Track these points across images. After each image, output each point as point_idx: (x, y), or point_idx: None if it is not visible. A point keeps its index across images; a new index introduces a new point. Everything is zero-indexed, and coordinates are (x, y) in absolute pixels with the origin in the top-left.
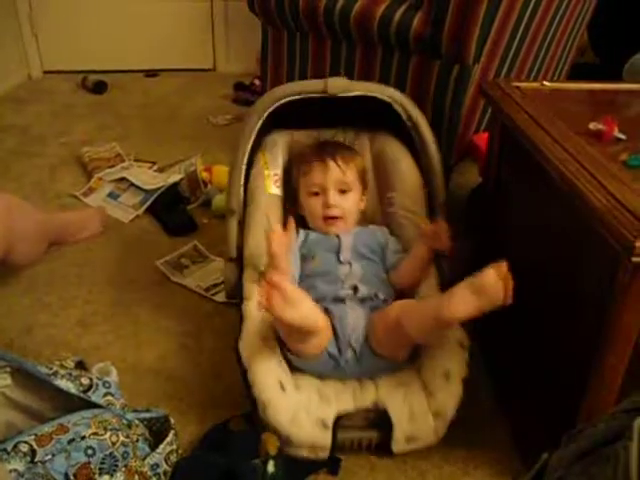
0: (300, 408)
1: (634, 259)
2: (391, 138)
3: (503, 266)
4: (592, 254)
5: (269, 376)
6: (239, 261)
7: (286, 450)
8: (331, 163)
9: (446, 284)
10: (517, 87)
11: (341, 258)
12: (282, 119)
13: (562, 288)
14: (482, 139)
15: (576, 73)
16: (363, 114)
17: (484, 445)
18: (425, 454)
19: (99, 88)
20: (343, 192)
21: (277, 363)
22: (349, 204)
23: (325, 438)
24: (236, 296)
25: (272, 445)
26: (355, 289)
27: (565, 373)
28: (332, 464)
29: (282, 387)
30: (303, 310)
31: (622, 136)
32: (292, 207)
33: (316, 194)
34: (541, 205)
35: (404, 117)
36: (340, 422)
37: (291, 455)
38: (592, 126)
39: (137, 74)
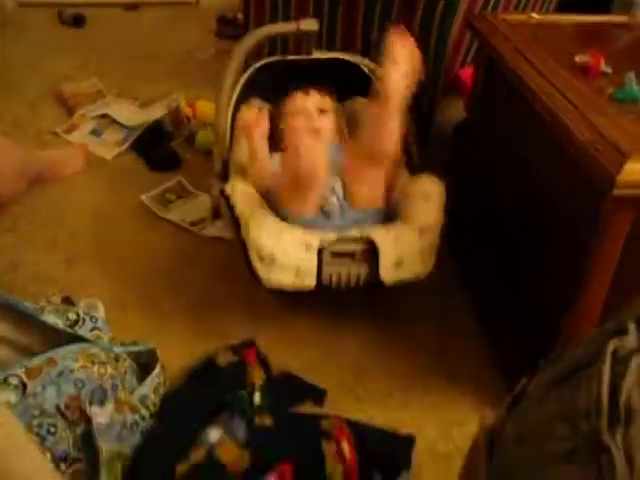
0: (283, 229)
1: (616, 191)
2: (362, 99)
3: (402, 32)
4: (575, 187)
5: (253, 197)
6: (225, 177)
7: (272, 275)
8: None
9: None
10: (504, 19)
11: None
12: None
13: (544, 218)
14: (467, 74)
15: (565, 5)
16: (332, 83)
17: (467, 373)
18: (408, 385)
19: (77, 22)
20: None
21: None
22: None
23: (310, 260)
24: (219, 212)
25: (258, 376)
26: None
27: (546, 298)
28: (317, 395)
29: (265, 210)
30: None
31: (608, 70)
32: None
33: None
34: (526, 139)
35: (370, 75)
36: (325, 249)
37: (279, 284)
38: (578, 59)
39: (115, 8)
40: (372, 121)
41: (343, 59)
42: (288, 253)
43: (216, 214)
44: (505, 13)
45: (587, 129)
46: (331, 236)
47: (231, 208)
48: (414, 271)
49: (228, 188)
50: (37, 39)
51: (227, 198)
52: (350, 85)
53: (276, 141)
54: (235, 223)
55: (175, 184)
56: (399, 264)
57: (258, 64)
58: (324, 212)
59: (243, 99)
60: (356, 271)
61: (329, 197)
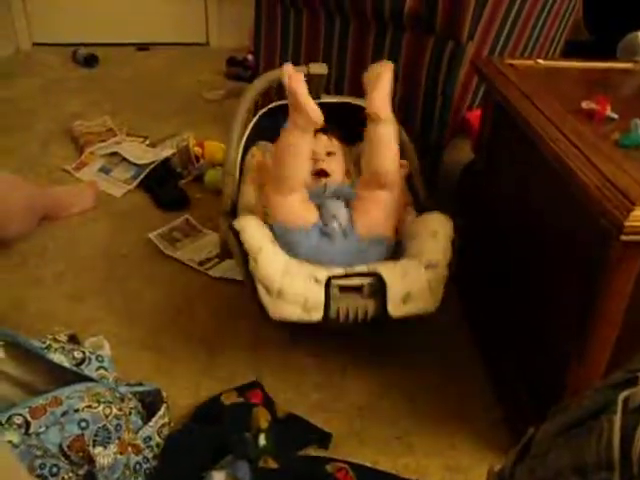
0: (292, 262)
1: (623, 237)
2: None
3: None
4: (582, 232)
5: (261, 233)
6: (233, 215)
7: (280, 308)
8: (319, 134)
9: None
10: (511, 65)
11: (327, 189)
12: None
13: (551, 264)
14: (475, 116)
15: (570, 51)
16: (340, 127)
17: (473, 420)
18: (413, 429)
19: (90, 62)
20: (329, 154)
21: (269, 235)
22: (335, 163)
23: (318, 292)
24: (228, 251)
25: (264, 418)
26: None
27: (552, 347)
28: (322, 438)
29: (273, 243)
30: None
31: (614, 115)
32: None
33: None
34: (533, 182)
35: None
36: (333, 283)
37: (286, 317)
38: (585, 105)
39: (128, 48)
40: (367, 144)
41: (351, 103)
42: (296, 287)
43: (224, 254)
44: (511, 58)
45: (594, 175)
46: (339, 270)
47: (240, 243)
48: (422, 306)
49: (237, 224)
50: (50, 78)
51: (237, 233)
52: (358, 129)
53: None
54: (244, 258)
55: (183, 222)
56: (407, 299)
57: (268, 107)
58: (326, 235)
59: (252, 142)
60: (363, 305)
61: (330, 222)
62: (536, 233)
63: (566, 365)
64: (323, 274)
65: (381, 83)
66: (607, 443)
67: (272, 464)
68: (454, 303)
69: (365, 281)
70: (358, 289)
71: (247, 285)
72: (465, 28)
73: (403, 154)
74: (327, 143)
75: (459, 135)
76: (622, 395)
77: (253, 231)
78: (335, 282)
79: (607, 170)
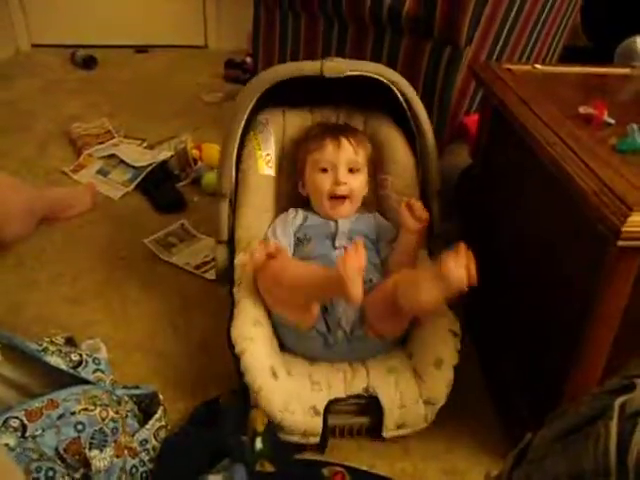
0: (292, 395)
1: (620, 243)
2: (385, 120)
3: (461, 250)
4: (579, 237)
5: (261, 363)
6: (230, 243)
7: (279, 434)
8: (344, 141)
9: None
10: (509, 69)
11: (336, 244)
12: (273, 95)
13: (548, 269)
14: (472, 121)
15: (568, 56)
16: (357, 92)
17: (469, 423)
18: (410, 434)
19: (89, 63)
20: (352, 171)
21: (269, 348)
22: (357, 184)
23: (316, 424)
24: (226, 278)
25: (260, 422)
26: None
27: (550, 352)
28: (320, 441)
29: (274, 374)
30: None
31: (611, 120)
32: (289, 189)
33: (324, 170)
34: (530, 187)
35: (401, 99)
36: (331, 408)
37: (282, 440)
38: (582, 110)
39: (127, 50)
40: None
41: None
42: (296, 422)
43: (220, 281)
44: (509, 63)
45: (591, 180)
46: (339, 392)
47: (239, 372)
48: (415, 429)
49: (236, 342)
50: (49, 80)
51: (237, 358)
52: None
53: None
54: (244, 385)
55: (178, 227)
56: (401, 426)
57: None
58: (327, 344)
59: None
60: (359, 423)
61: (334, 328)
62: (533, 238)
63: (563, 370)
64: (322, 402)
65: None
66: (604, 449)
67: (269, 467)
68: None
69: (363, 401)
70: (356, 408)
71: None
72: (463, 33)
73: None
74: (352, 157)
75: (457, 140)
76: (618, 401)
77: (254, 361)
78: (334, 407)
79: (604, 175)
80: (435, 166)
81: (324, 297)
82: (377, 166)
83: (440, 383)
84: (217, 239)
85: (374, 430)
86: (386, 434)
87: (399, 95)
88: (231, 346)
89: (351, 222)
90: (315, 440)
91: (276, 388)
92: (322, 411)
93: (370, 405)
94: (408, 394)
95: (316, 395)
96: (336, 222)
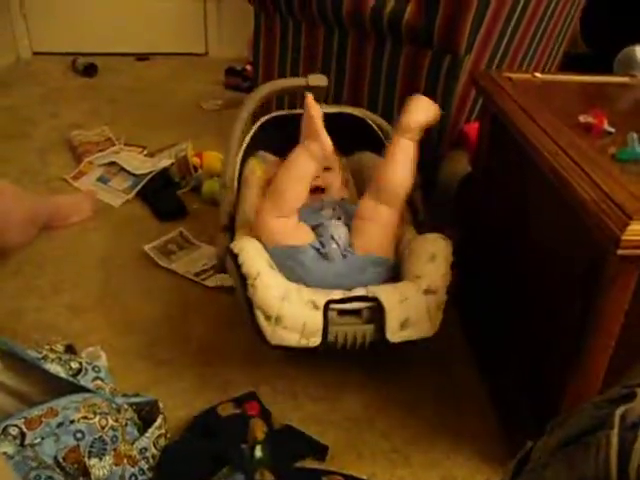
0: (290, 287)
1: (620, 251)
2: (367, 152)
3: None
4: (579, 245)
5: (260, 256)
6: (231, 230)
7: (278, 334)
8: None
9: None
10: (508, 78)
11: (323, 213)
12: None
13: (548, 276)
14: (472, 129)
15: (568, 64)
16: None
17: (470, 431)
18: (410, 442)
19: (89, 71)
20: (326, 169)
21: (267, 257)
22: (332, 177)
23: (316, 318)
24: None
25: (260, 430)
26: (338, 218)
27: (551, 359)
28: (318, 450)
29: (271, 267)
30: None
31: (611, 129)
32: None
33: None
34: (530, 196)
35: (376, 129)
36: (331, 306)
37: (284, 343)
38: (582, 119)
39: (128, 57)
40: (387, 155)
41: (349, 113)
42: (294, 313)
43: (220, 269)
44: (509, 71)
45: (591, 188)
46: (337, 294)
47: (238, 266)
48: (420, 331)
49: (235, 246)
50: (50, 87)
51: (235, 256)
52: (356, 139)
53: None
54: (242, 281)
55: (177, 235)
56: (405, 324)
57: (265, 118)
58: (323, 255)
59: (250, 152)
60: (362, 330)
61: (328, 243)
62: (533, 246)
63: (564, 378)
64: (321, 299)
65: (424, 110)
66: (605, 459)
67: (268, 476)
68: (452, 316)
69: (364, 305)
70: (356, 312)
71: (245, 309)
72: (463, 41)
73: None
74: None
75: (457, 148)
76: (619, 410)
77: (251, 254)
78: (334, 306)
79: (604, 184)
80: (419, 195)
81: (309, 171)
82: (364, 188)
83: (436, 273)
84: (219, 225)
85: (379, 339)
86: (391, 336)
87: (374, 126)
88: (231, 253)
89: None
90: (316, 341)
91: (273, 277)
92: (322, 306)
93: (372, 310)
94: (407, 290)
95: (315, 294)
96: (321, 202)
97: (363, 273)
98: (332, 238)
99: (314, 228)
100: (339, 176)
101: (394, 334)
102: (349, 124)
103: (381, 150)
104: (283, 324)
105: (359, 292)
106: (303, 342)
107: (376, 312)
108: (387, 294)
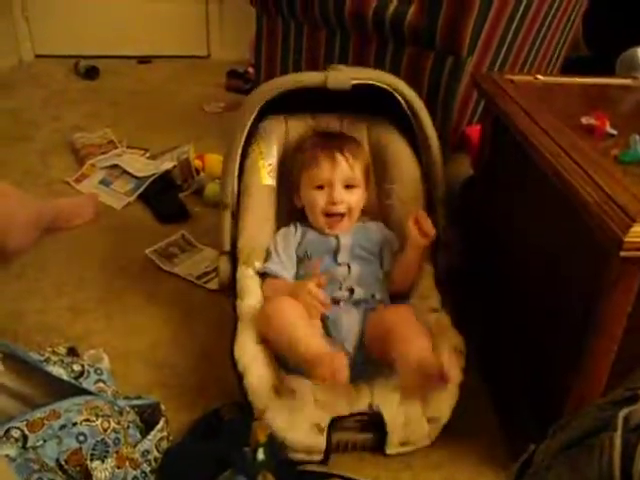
0: (296, 413)
1: (622, 253)
2: (390, 127)
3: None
4: (582, 247)
5: (264, 384)
6: (232, 254)
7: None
8: (339, 157)
9: (441, 277)
10: (510, 80)
11: (339, 260)
12: (275, 103)
13: (551, 279)
14: (474, 131)
15: (569, 66)
16: (361, 99)
17: (472, 434)
18: None
19: (91, 74)
20: (349, 187)
21: (272, 367)
22: (354, 200)
23: (320, 442)
24: (229, 289)
25: (262, 433)
26: (351, 291)
27: (553, 362)
28: (323, 458)
29: (277, 393)
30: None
31: (614, 131)
32: (290, 199)
33: (320, 187)
34: (532, 198)
35: (405, 106)
36: (335, 424)
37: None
38: (584, 121)
39: (130, 60)
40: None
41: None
42: (300, 440)
43: (224, 290)
44: (511, 73)
45: (594, 190)
46: (342, 410)
47: (243, 390)
48: (418, 447)
49: (239, 363)
50: (52, 90)
51: (239, 377)
52: (381, 107)
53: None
54: (249, 407)
55: (179, 238)
56: (405, 444)
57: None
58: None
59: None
60: (362, 439)
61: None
62: (535, 249)
63: (567, 380)
64: (326, 420)
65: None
66: (608, 462)
67: (270, 479)
68: (457, 321)
69: (367, 418)
70: (359, 424)
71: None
72: (465, 43)
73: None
74: (347, 174)
75: (458, 150)
76: (622, 412)
77: (256, 383)
78: (337, 424)
79: (607, 186)
80: (440, 173)
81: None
82: (381, 175)
83: (444, 402)
84: (220, 250)
85: (377, 446)
86: (389, 451)
87: (402, 102)
88: (234, 364)
89: (352, 236)
90: (319, 457)
91: (279, 407)
92: (326, 428)
93: (374, 422)
94: (412, 413)
95: (320, 413)
96: (337, 238)
97: (365, 371)
98: (343, 348)
99: (324, 318)
100: (363, 197)
101: (393, 450)
102: (374, 92)
103: (404, 125)
104: (288, 448)
105: (363, 405)
106: (306, 458)
107: (378, 427)
108: (392, 412)
